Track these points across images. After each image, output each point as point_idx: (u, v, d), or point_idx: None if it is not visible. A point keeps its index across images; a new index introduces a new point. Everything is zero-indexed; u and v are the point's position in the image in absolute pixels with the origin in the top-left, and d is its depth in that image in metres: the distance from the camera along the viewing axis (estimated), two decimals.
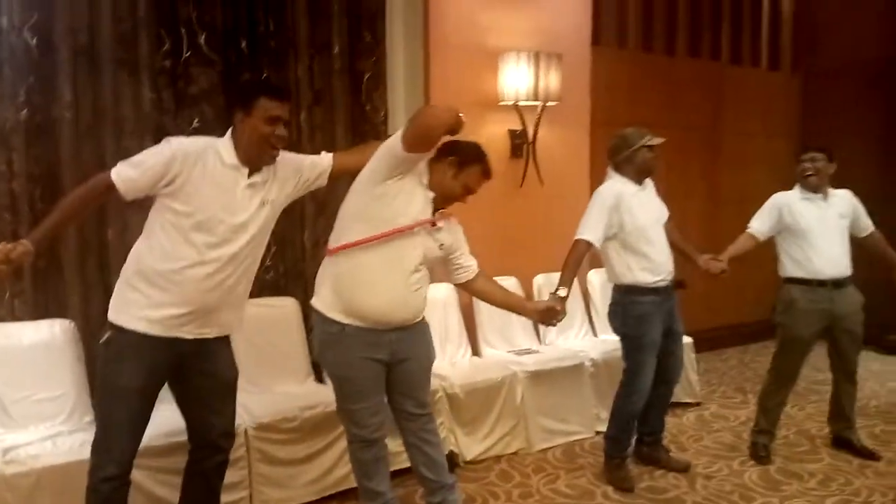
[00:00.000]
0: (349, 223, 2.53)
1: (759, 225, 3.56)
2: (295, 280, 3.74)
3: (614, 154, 3.30)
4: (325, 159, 2.60)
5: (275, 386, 3.26)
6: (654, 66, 5.49)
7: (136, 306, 2.25)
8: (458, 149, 2.62)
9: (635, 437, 3.44)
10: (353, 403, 2.59)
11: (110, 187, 2.25)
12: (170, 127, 3.36)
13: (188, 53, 3.38)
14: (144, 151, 2.33)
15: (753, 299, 6.00)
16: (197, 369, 2.36)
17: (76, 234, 3.19)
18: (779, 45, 6.37)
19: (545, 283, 4.26)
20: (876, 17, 5.96)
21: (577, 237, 3.12)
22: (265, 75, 3.58)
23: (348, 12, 3.82)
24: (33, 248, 2.15)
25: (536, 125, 4.29)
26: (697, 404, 4.42)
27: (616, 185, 3.22)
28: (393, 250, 2.50)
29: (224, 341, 2.45)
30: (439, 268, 2.74)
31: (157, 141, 3.26)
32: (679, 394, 4.34)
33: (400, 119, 4.08)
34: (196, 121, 3.41)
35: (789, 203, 3.52)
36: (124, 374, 2.24)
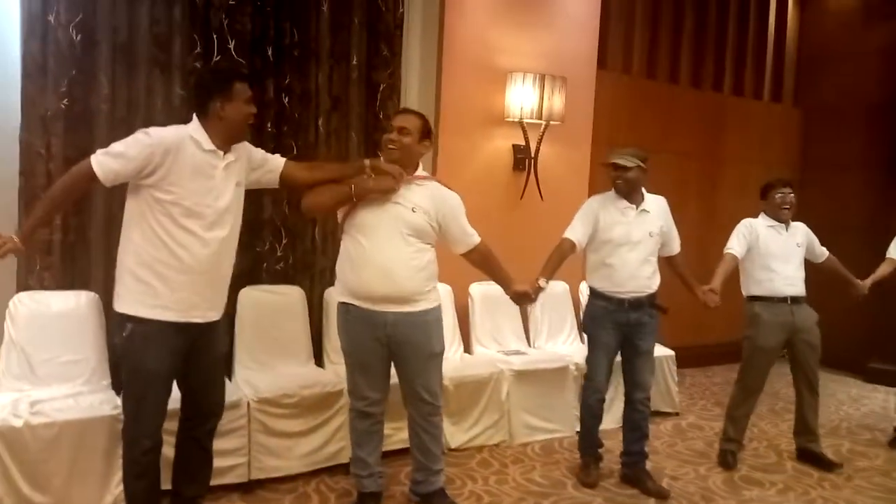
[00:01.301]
0: None
1: (739, 246, 3.83)
2: (303, 271, 3.99)
3: None
4: (277, 160, 2.77)
5: (278, 366, 3.53)
6: (657, 92, 5.74)
7: (149, 296, 2.42)
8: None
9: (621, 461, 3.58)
10: (356, 375, 2.92)
11: (93, 177, 2.37)
12: None
13: (218, 57, 3.66)
14: (124, 142, 2.42)
15: (742, 320, 6.20)
16: (202, 348, 2.58)
17: (103, 212, 3.45)
18: (781, 78, 6.60)
19: None
20: (877, 56, 6.19)
21: (564, 235, 3.41)
22: (287, 81, 3.88)
23: (368, 27, 4.11)
24: (23, 244, 2.34)
25: (539, 142, 4.55)
26: (676, 414, 4.64)
27: (604, 197, 3.47)
28: (366, 221, 2.81)
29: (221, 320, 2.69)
30: (441, 239, 2.99)
31: None
32: (658, 403, 4.59)
33: None
34: None
35: (757, 229, 3.86)
36: (151, 360, 2.44)
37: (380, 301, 2.82)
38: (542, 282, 3.20)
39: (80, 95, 3.41)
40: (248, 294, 3.64)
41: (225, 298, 2.67)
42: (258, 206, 3.74)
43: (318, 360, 3.79)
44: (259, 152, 2.74)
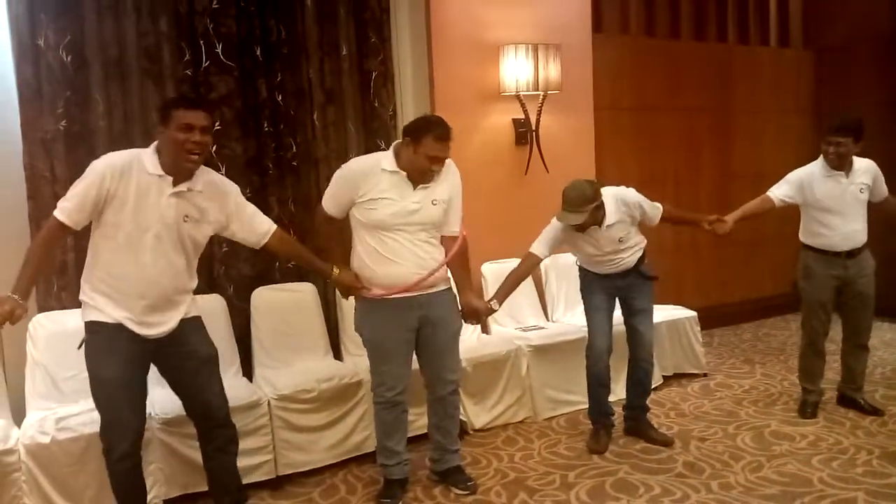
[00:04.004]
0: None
1: (780, 193, 3.71)
2: None
3: None
4: (262, 227, 2.73)
5: (296, 363, 3.57)
6: (659, 50, 5.61)
7: (99, 305, 2.46)
8: (409, 129, 2.91)
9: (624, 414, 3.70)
10: (383, 364, 2.95)
11: (62, 227, 2.42)
12: None
13: (207, 62, 3.68)
14: (75, 184, 2.46)
15: (771, 274, 6.12)
16: (177, 352, 2.57)
17: None
18: (788, 22, 6.40)
19: (552, 265, 4.48)
20: None
21: (530, 249, 3.36)
22: (279, 79, 3.88)
23: (355, 16, 4.08)
24: (22, 300, 2.35)
25: (539, 114, 4.50)
26: (704, 375, 4.59)
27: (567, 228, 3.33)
28: (387, 221, 2.85)
29: (193, 322, 2.63)
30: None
31: None
32: (684, 365, 4.57)
33: (409, 114, 4.34)
34: (217, 124, 3.72)
35: (812, 180, 3.62)
36: (105, 368, 2.44)
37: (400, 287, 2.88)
38: (493, 304, 3.23)
39: (77, 115, 3.46)
40: (260, 294, 3.69)
41: (179, 306, 2.58)
42: (265, 207, 3.75)
43: (337, 353, 3.83)
44: (245, 216, 2.70)
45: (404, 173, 2.86)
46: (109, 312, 2.46)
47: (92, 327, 2.50)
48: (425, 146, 2.81)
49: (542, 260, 3.39)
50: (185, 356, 2.61)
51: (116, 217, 2.43)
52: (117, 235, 2.44)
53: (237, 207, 2.69)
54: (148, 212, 2.44)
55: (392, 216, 2.85)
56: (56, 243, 2.57)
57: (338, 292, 3.03)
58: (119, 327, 2.46)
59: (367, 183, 2.85)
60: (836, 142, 3.51)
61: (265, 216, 2.81)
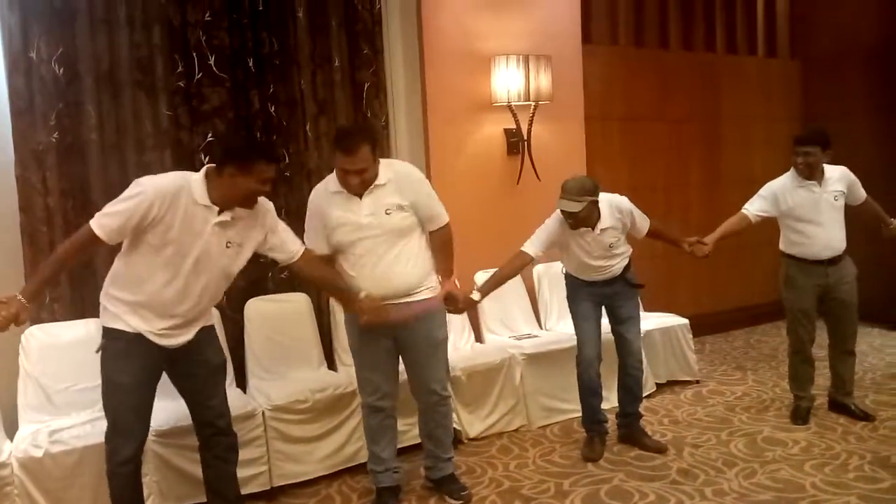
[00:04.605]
0: None
1: (754, 209, 3.74)
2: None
3: None
4: (292, 248, 2.74)
5: (289, 373, 3.57)
6: (648, 60, 5.66)
7: (120, 313, 2.49)
8: None
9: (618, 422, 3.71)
10: (365, 372, 3.01)
11: (96, 240, 2.39)
12: (186, 141, 3.70)
13: (200, 74, 3.69)
14: (119, 200, 2.42)
15: (761, 281, 6.14)
16: (191, 358, 2.62)
17: None
18: (775, 32, 6.48)
19: (544, 273, 4.51)
20: None
21: (521, 248, 3.36)
22: (272, 90, 3.90)
23: (347, 28, 4.11)
24: (28, 303, 2.33)
25: (530, 124, 4.53)
26: (696, 382, 4.61)
27: (564, 224, 3.35)
28: (345, 239, 2.86)
29: (208, 332, 2.70)
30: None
31: (175, 154, 3.66)
32: (677, 372, 4.59)
33: (401, 124, 4.37)
34: (209, 135, 3.73)
35: (785, 191, 3.66)
36: (120, 373, 2.49)
37: (384, 299, 2.86)
38: (475, 294, 3.24)
39: (70, 127, 3.47)
40: (254, 305, 3.69)
41: (202, 320, 2.65)
42: None
43: (331, 363, 3.83)
44: (280, 230, 2.73)
45: (344, 190, 2.87)
46: (131, 323, 2.49)
47: (111, 334, 2.52)
48: (336, 160, 2.85)
49: (532, 259, 3.37)
50: (198, 364, 2.66)
51: (159, 240, 2.43)
52: (157, 256, 2.45)
53: (274, 223, 2.71)
54: (191, 239, 2.46)
55: (346, 234, 2.86)
56: (84, 253, 2.57)
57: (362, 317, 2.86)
58: (138, 336, 2.50)
59: (325, 208, 2.89)
60: (804, 152, 3.56)
61: (297, 237, 2.82)
